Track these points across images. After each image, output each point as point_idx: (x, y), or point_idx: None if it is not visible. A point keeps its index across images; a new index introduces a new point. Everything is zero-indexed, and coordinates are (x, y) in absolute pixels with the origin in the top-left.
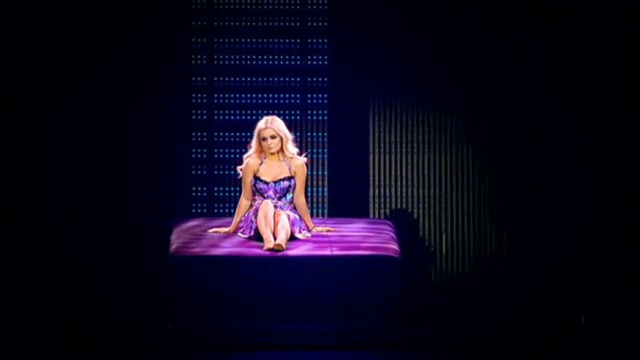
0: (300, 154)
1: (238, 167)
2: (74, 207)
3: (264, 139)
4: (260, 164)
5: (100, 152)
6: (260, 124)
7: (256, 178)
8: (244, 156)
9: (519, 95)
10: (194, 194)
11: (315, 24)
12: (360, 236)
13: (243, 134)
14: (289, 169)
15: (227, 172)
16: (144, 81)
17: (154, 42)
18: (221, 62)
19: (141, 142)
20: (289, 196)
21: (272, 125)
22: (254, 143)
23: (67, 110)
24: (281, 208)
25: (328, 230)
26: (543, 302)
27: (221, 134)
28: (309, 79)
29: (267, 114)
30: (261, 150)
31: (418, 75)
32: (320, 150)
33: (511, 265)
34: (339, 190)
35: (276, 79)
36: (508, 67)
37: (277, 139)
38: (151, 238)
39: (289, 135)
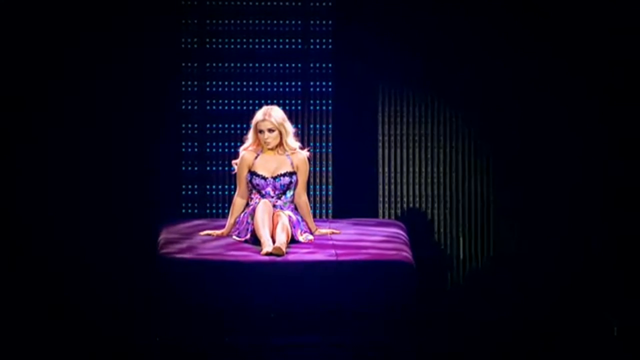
0: (302, 148)
1: (233, 161)
2: (62, 207)
3: (261, 131)
4: (256, 157)
5: (84, 146)
6: (258, 115)
7: (252, 173)
8: (240, 148)
9: (535, 91)
10: (184, 192)
11: (318, 3)
12: (368, 239)
13: (238, 125)
14: (291, 163)
15: (220, 169)
16: (129, 68)
17: (139, 24)
18: (214, 45)
19: (125, 135)
20: (289, 194)
21: (270, 117)
22: (250, 134)
23: (67, 105)
24: (281, 208)
25: (333, 233)
26: (551, 302)
27: (214, 125)
28: (312, 65)
29: (266, 104)
30: (258, 142)
31: (431, 61)
32: (324, 144)
33: (529, 267)
34: (344, 188)
35: (275, 65)
36: (523, 62)
37: (276, 133)
38: (139, 240)
39: (289, 129)
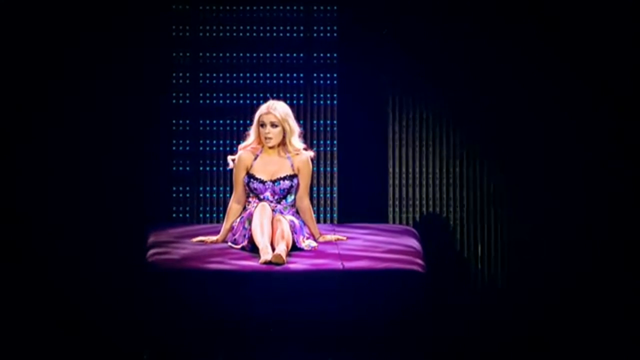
0: (307, 149)
1: (229, 157)
2: (62, 206)
3: (263, 125)
4: (255, 158)
5: (83, 146)
6: (262, 108)
7: (250, 176)
8: (240, 145)
9: (548, 91)
10: (174, 194)
11: None
12: (377, 247)
13: (234, 121)
14: (292, 166)
15: (214, 169)
16: (115, 60)
17: (129, 13)
18: (207, 34)
19: (113, 133)
20: (290, 199)
21: (275, 110)
22: (252, 130)
23: (66, 105)
24: (281, 212)
25: (338, 240)
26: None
27: (207, 121)
28: (315, 55)
29: (265, 97)
30: (260, 140)
31: (442, 54)
32: (328, 142)
33: (546, 270)
34: (350, 190)
35: (275, 55)
36: (532, 60)
37: (279, 129)
38: (131, 243)
39: (295, 129)
